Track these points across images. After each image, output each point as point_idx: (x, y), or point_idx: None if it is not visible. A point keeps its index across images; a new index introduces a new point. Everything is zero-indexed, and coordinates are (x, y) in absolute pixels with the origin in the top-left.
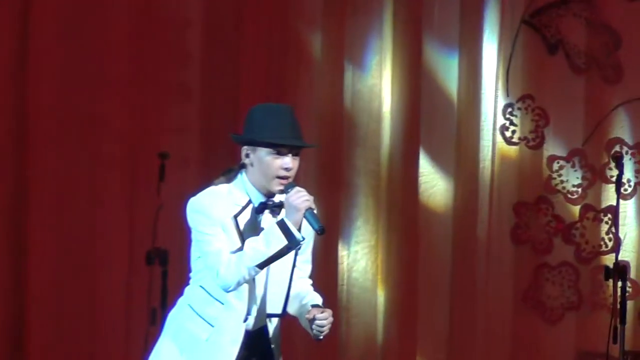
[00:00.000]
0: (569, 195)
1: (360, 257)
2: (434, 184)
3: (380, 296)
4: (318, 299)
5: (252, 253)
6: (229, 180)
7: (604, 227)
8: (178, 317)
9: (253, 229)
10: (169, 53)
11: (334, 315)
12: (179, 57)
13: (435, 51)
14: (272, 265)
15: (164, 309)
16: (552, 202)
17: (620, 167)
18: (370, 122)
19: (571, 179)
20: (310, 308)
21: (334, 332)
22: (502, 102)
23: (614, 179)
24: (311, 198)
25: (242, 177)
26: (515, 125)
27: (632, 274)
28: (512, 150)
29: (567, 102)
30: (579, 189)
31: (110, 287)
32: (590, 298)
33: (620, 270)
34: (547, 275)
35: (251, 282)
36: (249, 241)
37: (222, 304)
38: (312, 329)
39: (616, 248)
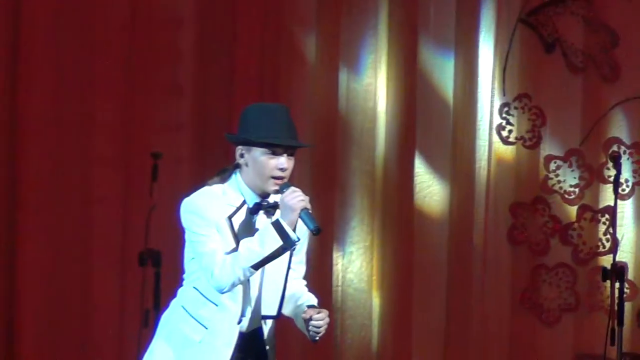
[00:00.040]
0: (566, 196)
1: (355, 258)
2: (429, 184)
3: (376, 297)
4: (313, 300)
5: (247, 254)
6: (223, 181)
7: (602, 228)
8: (171, 319)
9: (248, 229)
10: (162, 52)
11: (328, 317)
12: (172, 56)
13: (430, 51)
14: (267, 266)
15: (157, 310)
16: (549, 203)
17: (617, 167)
18: (365, 122)
19: (568, 179)
20: (306, 309)
21: (329, 333)
22: (498, 102)
23: (611, 179)
24: (307, 198)
25: (236, 178)
26: (511, 124)
27: (630, 275)
28: (509, 150)
29: (564, 101)
30: (576, 189)
31: (102, 289)
32: (587, 299)
33: (618, 271)
34: (544, 276)
35: (246, 283)
36: (244, 242)
37: (216, 305)
38: (308, 330)
39: (614, 249)
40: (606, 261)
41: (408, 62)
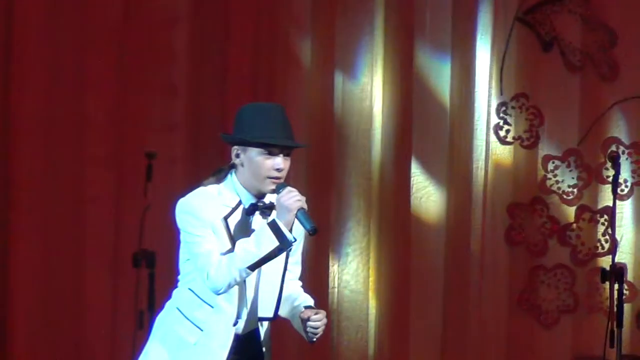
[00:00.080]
0: (565, 196)
1: (351, 259)
2: (426, 184)
3: (372, 299)
4: (310, 301)
5: (243, 254)
6: (218, 181)
7: (600, 229)
8: (166, 321)
9: (243, 230)
10: (155, 51)
11: (326, 318)
12: (165, 55)
13: (427, 53)
14: (264, 267)
15: (151, 312)
16: (547, 203)
17: (616, 167)
18: (361, 123)
19: (566, 179)
20: (303, 309)
21: (326, 334)
22: (495, 101)
23: (610, 179)
24: (303, 198)
25: (232, 178)
26: (509, 124)
27: (629, 276)
28: (507, 150)
29: (562, 101)
30: (575, 190)
31: (96, 290)
32: (586, 301)
33: (617, 272)
34: (542, 277)
35: (242, 284)
36: (240, 242)
37: (212, 307)
38: (306, 331)
39: (613, 250)
40: (605, 262)
41: (404, 65)
